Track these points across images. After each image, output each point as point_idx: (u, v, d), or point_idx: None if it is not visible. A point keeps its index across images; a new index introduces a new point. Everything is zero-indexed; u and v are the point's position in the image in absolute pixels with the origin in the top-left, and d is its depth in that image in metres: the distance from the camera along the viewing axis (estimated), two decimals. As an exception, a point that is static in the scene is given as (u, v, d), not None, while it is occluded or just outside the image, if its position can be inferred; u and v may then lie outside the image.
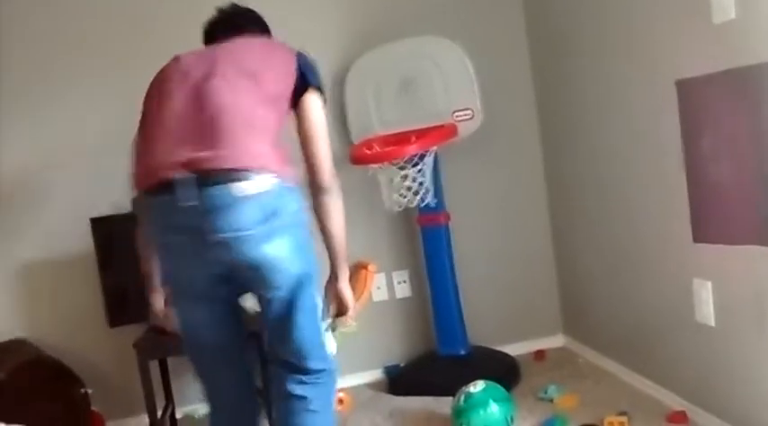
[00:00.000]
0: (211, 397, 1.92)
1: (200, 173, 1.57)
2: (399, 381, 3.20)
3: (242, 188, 1.59)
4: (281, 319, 1.75)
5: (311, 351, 1.81)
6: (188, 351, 1.89)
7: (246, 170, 1.61)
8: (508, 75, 3.38)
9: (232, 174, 1.59)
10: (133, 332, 2.72)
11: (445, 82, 2.94)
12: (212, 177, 1.57)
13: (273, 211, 1.63)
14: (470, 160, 3.30)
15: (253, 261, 1.64)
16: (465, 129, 2.94)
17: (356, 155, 2.89)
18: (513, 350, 3.30)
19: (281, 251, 1.68)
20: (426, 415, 2.86)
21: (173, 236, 1.64)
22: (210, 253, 1.61)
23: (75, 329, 3.01)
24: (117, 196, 2.70)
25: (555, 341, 3.49)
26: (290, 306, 1.74)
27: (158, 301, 1.93)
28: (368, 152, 2.91)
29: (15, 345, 2.88)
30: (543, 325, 3.51)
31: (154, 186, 1.62)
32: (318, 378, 1.82)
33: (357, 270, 3.28)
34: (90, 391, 2.80)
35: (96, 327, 2.96)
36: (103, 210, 2.88)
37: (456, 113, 2.92)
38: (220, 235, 1.59)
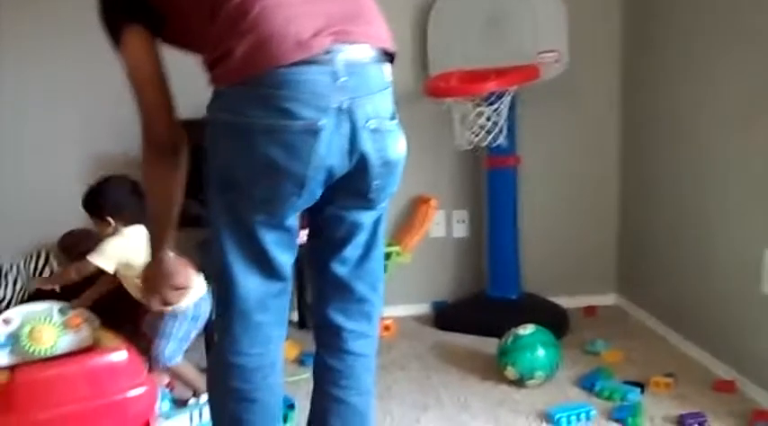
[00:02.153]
0: (246, 321, 1.51)
1: (354, 46, 1.35)
2: (445, 317, 3.22)
3: (389, 72, 1.43)
4: (367, 244, 1.55)
5: (380, 284, 1.63)
6: (234, 271, 1.45)
7: (389, 53, 1.44)
8: (597, 24, 3.27)
9: (383, 55, 1.41)
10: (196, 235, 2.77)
11: (534, 21, 2.85)
12: (367, 53, 1.37)
13: (394, 107, 1.46)
14: (547, 105, 3.23)
15: (388, 158, 1.43)
16: (547, 72, 2.86)
17: (433, 88, 2.85)
18: (564, 303, 3.28)
19: (403, 155, 1.50)
20: (469, 352, 2.89)
21: (301, 117, 1.30)
22: (353, 143, 1.36)
23: None
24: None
25: (607, 300, 3.45)
26: (375, 227, 1.56)
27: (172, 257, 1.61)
28: (443, 86, 2.87)
29: (83, 236, 2.98)
30: (597, 282, 3.47)
31: (291, 58, 1.29)
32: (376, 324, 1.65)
33: (418, 204, 3.32)
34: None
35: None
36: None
37: (541, 55, 2.85)
38: (374, 122, 1.37)
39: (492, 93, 2.83)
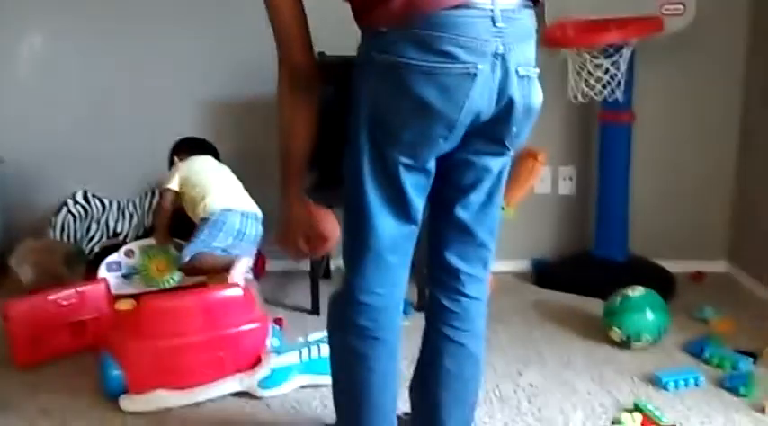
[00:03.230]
0: (377, 259, 1.50)
1: None
2: (546, 274, 3.19)
3: (533, 18, 1.43)
4: (490, 191, 1.53)
5: (496, 231, 1.62)
6: (372, 211, 1.45)
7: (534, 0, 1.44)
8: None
9: (530, 1, 1.41)
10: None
11: (660, -31, 2.72)
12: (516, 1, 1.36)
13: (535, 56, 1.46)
14: (668, 60, 3.09)
15: (531, 105, 1.43)
16: (671, 25, 2.73)
17: (549, 37, 2.77)
18: (671, 266, 3.17)
19: (540, 103, 1.48)
20: (571, 310, 2.85)
21: (459, 60, 1.30)
22: (502, 88, 1.36)
23: (255, 168, 3.08)
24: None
25: (717, 266, 3.33)
26: (500, 174, 1.54)
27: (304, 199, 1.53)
28: (560, 35, 2.78)
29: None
30: (707, 248, 3.34)
31: (457, 2, 1.28)
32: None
33: (525, 158, 3.25)
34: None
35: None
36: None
37: (665, 6, 2.71)
38: (523, 68, 1.37)
39: (611, 45, 2.73)
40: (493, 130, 1.43)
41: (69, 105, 3.23)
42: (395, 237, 1.48)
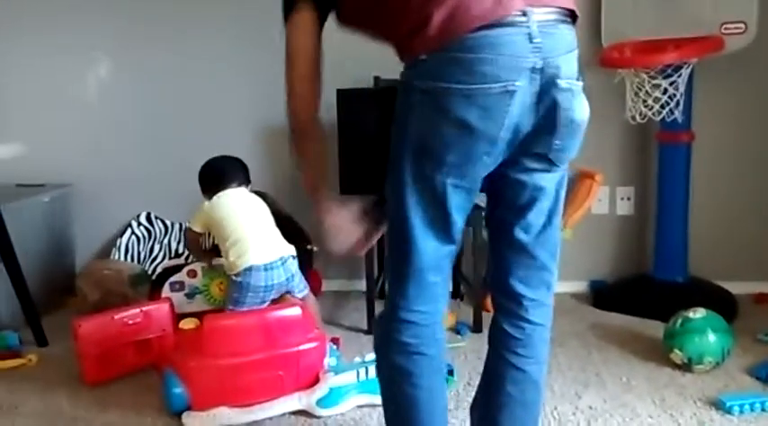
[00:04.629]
0: (420, 281, 1.53)
1: (545, 7, 1.36)
2: (605, 296, 3.15)
3: (574, 33, 1.45)
4: (549, 211, 1.53)
5: (558, 253, 1.61)
6: (415, 233, 1.48)
7: (574, 14, 1.45)
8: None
9: (569, 15, 1.43)
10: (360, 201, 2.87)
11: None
12: (557, 14, 1.38)
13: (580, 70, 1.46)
14: (730, 79, 3.05)
15: (573, 118, 1.42)
16: (732, 44, 2.70)
17: (607, 58, 2.77)
18: (733, 288, 3.10)
19: (586, 118, 1.48)
20: (630, 333, 2.81)
21: (498, 79, 1.32)
22: (542, 102, 1.37)
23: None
24: (360, 71, 2.83)
25: (781, 288, 3.24)
26: (557, 194, 1.53)
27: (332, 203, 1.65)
28: (618, 56, 2.77)
29: (259, 195, 3.16)
30: (770, 269, 3.27)
31: (491, 17, 1.32)
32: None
33: (582, 178, 3.23)
34: (315, 249, 3.01)
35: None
36: (346, 83, 2.99)
37: (725, 25, 2.69)
38: (564, 82, 1.37)
39: (669, 65, 2.71)
40: (536, 145, 1.43)
41: (132, 130, 3.36)
42: (437, 258, 1.50)
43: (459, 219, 1.49)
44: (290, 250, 2.60)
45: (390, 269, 1.58)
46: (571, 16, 1.44)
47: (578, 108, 1.43)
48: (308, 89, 1.57)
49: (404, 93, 1.43)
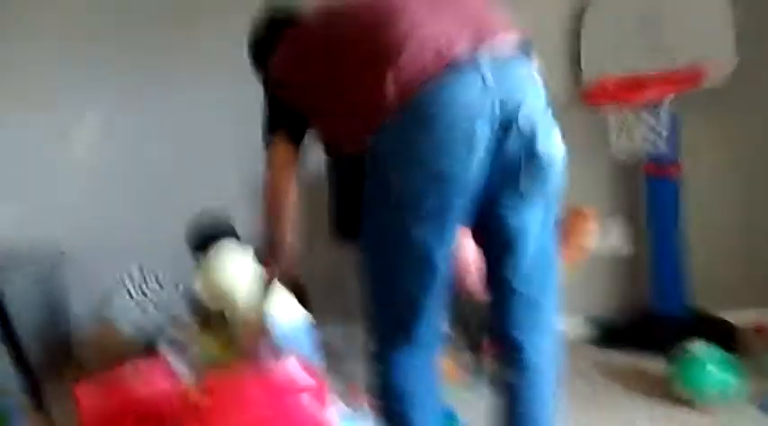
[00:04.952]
0: (407, 332, 1.56)
1: (492, 46, 1.41)
2: (605, 333, 3.13)
3: (533, 64, 1.48)
4: (536, 252, 1.54)
5: (554, 293, 1.64)
6: (397, 276, 1.52)
7: (525, 45, 1.49)
8: None
9: (521, 48, 1.47)
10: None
11: (696, 22, 2.73)
12: (507, 50, 1.43)
13: (546, 101, 1.48)
14: (714, 109, 3.05)
15: (540, 153, 1.44)
16: (712, 77, 2.74)
17: (589, 95, 2.80)
18: (734, 318, 3.08)
19: (558, 149, 1.50)
20: (635, 370, 2.78)
21: (458, 126, 1.36)
22: (506, 138, 1.41)
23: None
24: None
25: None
26: (543, 234, 1.55)
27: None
28: (601, 93, 2.81)
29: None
30: (768, 297, 3.25)
31: (437, 69, 1.37)
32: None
33: (573, 216, 3.23)
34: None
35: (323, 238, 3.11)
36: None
37: (704, 59, 2.72)
38: (526, 116, 1.40)
39: (652, 100, 2.74)
40: (507, 182, 1.46)
41: (119, 188, 3.36)
42: (421, 303, 1.52)
43: (442, 262, 1.49)
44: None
45: (374, 319, 1.60)
46: (522, 48, 1.46)
47: (543, 141, 1.44)
48: (281, 210, 1.70)
49: (372, 155, 1.46)
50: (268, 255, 1.82)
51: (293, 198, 1.69)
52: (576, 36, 3.07)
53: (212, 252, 2.64)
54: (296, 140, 1.66)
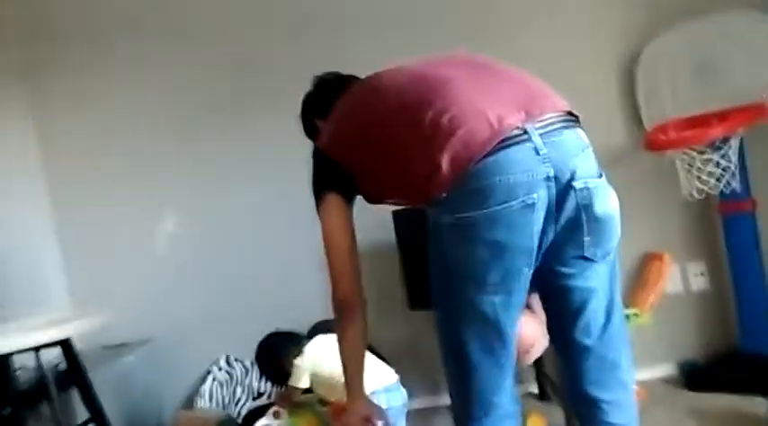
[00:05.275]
0: (486, 403, 1.57)
1: (544, 117, 1.46)
2: (697, 377, 3.03)
3: (583, 134, 1.51)
4: (606, 309, 1.55)
5: (628, 348, 1.62)
6: (468, 347, 1.53)
7: (575, 116, 1.53)
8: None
9: (571, 119, 1.51)
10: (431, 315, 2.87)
11: (753, 59, 2.72)
12: (558, 121, 1.47)
13: (597, 164, 1.52)
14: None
15: (597, 214, 1.46)
16: (776, 107, 2.70)
17: (653, 141, 2.79)
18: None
19: (614, 210, 1.51)
20: (732, 413, 2.68)
21: (516, 196, 1.38)
22: (563, 205, 1.43)
23: (379, 312, 3.20)
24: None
25: None
26: (610, 290, 1.55)
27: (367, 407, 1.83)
28: (664, 138, 2.80)
29: (326, 325, 3.18)
30: None
31: (491, 144, 1.40)
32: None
33: (651, 260, 3.19)
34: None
35: (397, 310, 3.14)
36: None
37: (765, 91, 2.69)
38: (580, 182, 1.43)
39: (717, 139, 2.72)
40: (569, 247, 1.48)
41: (201, 276, 3.45)
42: (496, 376, 1.53)
43: (512, 332, 1.52)
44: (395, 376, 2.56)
45: (454, 391, 1.61)
46: (572, 117, 1.50)
47: (600, 203, 1.47)
48: (345, 262, 1.69)
49: (433, 229, 1.50)
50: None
51: (354, 245, 1.71)
52: (629, 84, 3.09)
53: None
54: (347, 196, 1.68)
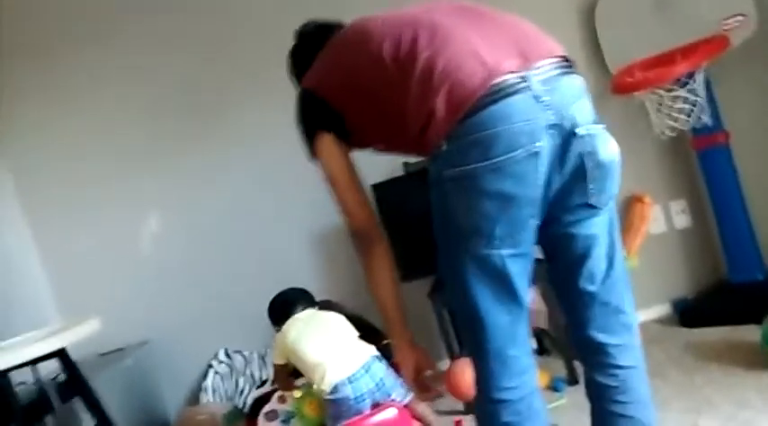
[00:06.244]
0: (503, 357, 1.53)
1: (541, 63, 1.41)
2: (690, 313, 3.07)
3: (580, 79, 1.48)
4: (608, 255, 1.54)
5: (630, 291, 1.61)
6: (481, 305, 1.49)
7: (570, 61, 1.49)
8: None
9: (567, 64, 1.47)
10: (423, 284, 2.89)
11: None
12: (555, 66, 1.43)
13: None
14: (748, 70, 3.03)
15: (600, 160, 1.44)
16: (737, 38, 2.71)
17: (620, 84, 2.79)
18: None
19: (615, 156, 1.49)
20: (727, 345, 2.72)
21: (519, 145, 1.35)
22: (566, 153, 1.40)
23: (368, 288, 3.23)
24: (389, 162, 2.88)
25: None
26: (611, 236, 1.54)
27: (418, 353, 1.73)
28: (630, 80, 2.80)
29: (325, 305, 3.19)
30: None
31: (487, 85, 1.36)
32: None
33: (632, 203, 3.21)
34: (392, 342, 3.00)
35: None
36: (377, 178, 3.04)
37: (725, 21, 2.70)
38: (582, 129, 1.40)
39: (682, 75, 2.72)
40: (574, 195, 1.46)
41: (191, 272, 3.44)
42: (510, 330, 1.51)
43: (523, 285, 1.50)
44: (371, 351, 2.56)
45: (469, 351, 1.59)
46: (568, 62, 1.47)
47: (603, 149, 1.44)
48: (355, 194, 1.63)
49: (435, 184, 1.47)
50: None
51: (359, 179, 1.64)
52: (591, 29, 3.08)
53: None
54: (340, 135, 1.62)
